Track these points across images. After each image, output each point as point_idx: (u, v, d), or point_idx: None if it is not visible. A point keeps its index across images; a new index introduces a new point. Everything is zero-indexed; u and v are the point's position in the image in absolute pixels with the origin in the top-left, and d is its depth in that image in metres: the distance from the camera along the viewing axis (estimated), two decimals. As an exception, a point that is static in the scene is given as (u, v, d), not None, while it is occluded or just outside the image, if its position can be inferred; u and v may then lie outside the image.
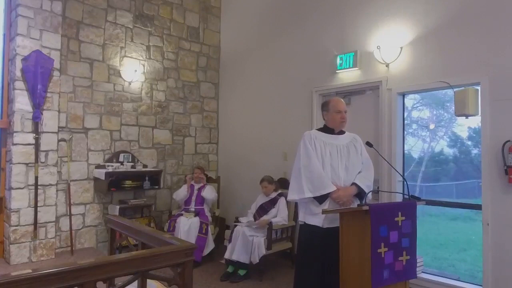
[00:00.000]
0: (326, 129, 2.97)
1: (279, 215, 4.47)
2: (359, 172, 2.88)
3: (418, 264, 2.80)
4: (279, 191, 4.69)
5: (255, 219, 4.55)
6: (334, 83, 4.60)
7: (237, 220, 4.68)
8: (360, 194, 2.80)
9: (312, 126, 4.76)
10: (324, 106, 2.96)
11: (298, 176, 2.80)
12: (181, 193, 5.09)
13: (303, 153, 2.84)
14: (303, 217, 2.89)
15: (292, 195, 2.81)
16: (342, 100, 2.96)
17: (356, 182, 2.82)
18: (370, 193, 2.88)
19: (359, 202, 2.75)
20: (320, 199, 2.75)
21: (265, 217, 4.47)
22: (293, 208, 4.73)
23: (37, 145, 4.54)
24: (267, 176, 4.68)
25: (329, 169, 2.81)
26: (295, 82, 5.08)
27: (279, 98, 5.30)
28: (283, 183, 4.96)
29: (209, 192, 5.09)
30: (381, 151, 3.95)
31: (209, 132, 6.36)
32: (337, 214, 2.63)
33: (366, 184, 2.82)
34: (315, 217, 2.79)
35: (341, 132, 2.98)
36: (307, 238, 2.83)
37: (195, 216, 4.86)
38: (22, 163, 4.48)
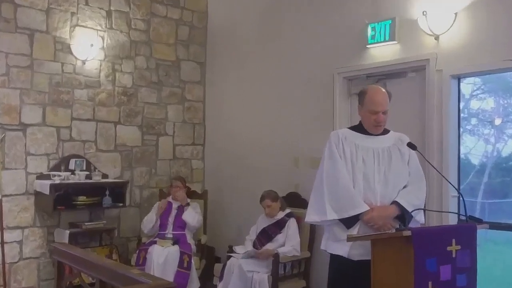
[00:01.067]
0: (360, 128, 3.03)
1: (288, 243, 4.51)
2: (404, 187, 2.93)
3: (479, 310, 2.79)
4: (287, 211, 4.72)
5: (256, 248, 4.58)
6: (363, 62, 4.61)
7: (231, 250, 4.70)
8: (404, 216, 2.83)
9: (334, 124, 4.77)
10: (360, 97, 3.03)
11: (320, 190, 2.88)
12: (148, 222, 5.17)
13: (327, 160, 2.93)
14: (324, 244, 2.98)
15: (312, 215, 2.90)
16: (385, 91, 2.99)
17: (398, 200, 2.86)
18: (421, 214, 2.90)
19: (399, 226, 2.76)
20: (348, 222, 2.82)
21: (269, 246, 4.52)
22: (308, 233, 4.78)
23: (-47, 147, 4.55)
24: (269, 192, 4.70)
25: (361, 180, 2.87)
26: (310, 62, 5.09)
27: (288, 85, 5.31)
28: (294, 200, 4.96)
29: (191, 215, 5.15)
30: (428, 156, 3.89)
31: (192, 129, 6.34)
32: (369, 242, 2.65)
33: (413, 204, 2.86)
34: (340, 245, 2.85)
35: (384, 131, 3.05)
36: (335, 272, 2.92)
37: (173, 244, 4.91)
38: None
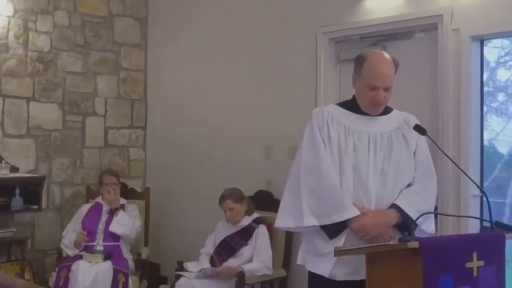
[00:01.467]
0: (353, 105, 3.00)
1: (257, 258, 4.51)
2: (407, 185, 2.92)
3: None
4: (256, 215, 4.72)
5: (214, 265, 4.59)
6: (356, 19, 4.58)
7: (181, 268, 4.71)
8: (407, 224, 2.76)
9: (318, 100, 4.76)
10: (357, 64, 2.99)
11: (296, 187, 2.87)
12: (69, 250, 5.12)
13: (307, 147, 2.92)
14: (303, 258, 2.97)
15: (284, 219, 2.89)
16: (390, 59, 2.94)
17: (398, 204, 2.84)
18: (430, 221, 2.90)
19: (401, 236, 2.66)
20: (331, 231, 2.79)
21: (231, 262, 4.54)
22: (282, 245, 4.79)
23: None
24: (232, 190, 4.70)
25: (351, 176, 2.85)
26: (286, 19, 5.06)
27: (258, 50, 5.28)
28: (265, 201, 4.93)
29: (123, 223, 5.13)
30: (441, 143, 3.86)
31: (130, 107, 6.34)
32: (361, 257, 2.60)
33: (418, 208, 2.82)
34: (321, 261, 2.83)
35: (385, 110, 3.00)
36: None
37: (104, 259, 4.88)
38: None
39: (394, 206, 2.82)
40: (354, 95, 3.01)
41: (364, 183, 2.83)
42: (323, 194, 2.79)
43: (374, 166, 2.86)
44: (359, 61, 2.95)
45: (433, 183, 2.98)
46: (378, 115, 2.97)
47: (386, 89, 2.88)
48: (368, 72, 2.88)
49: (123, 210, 5.22)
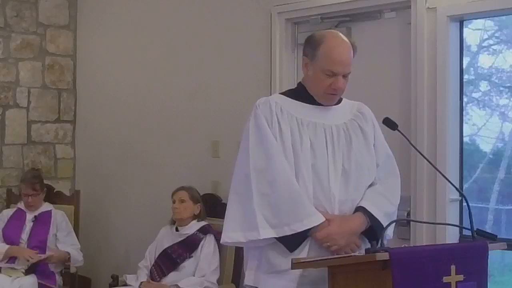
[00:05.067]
0: (302, 93, 2.95)
1: (198, 272, 4.45)
2: (370, 185, 2.90)
3: None
4: (203, 223, 4.63)
5: (154, 279, 4.54)
6: None
7: (116, 283, 4.74)
8: (373, 230, 2.78)
9: (273, 89, 4.69)
10: (310, 47, 2.94)
11: (245, 193, 2.77)
12: None
13: (254, 144, 2.83)
14: (253, 279, 2.85)
15: (232, 232, 2.79)
16: (348, 42, 2.92)
17: (366, 207, 2.80)
18: (392, 226, 2.84)
19: (369, 245, 2.63)
20: (291, 242, 2.70)
21: (174, 277, 4.47)
22: (232, 257, 4.75)
23: None
24: (190, 187, 4.67)
25: (310, 177, 2.77)
26: None
27: (204, 32, 5.23)
28: (212, 206, 4.90)
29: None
30: (415, 140, 3.86)
31: (57, 99, 6.26)
32: (323, 270, 2.55)
33: (386, 211, 2.84)
34: (282, 279, 2.74)
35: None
36: None
37: (26, 273, 4.84)
38: None
39: (361, 209, 2.79)
40: (300, 83, 3.01)
41: (325, 185, 2.77)
42: (279, 199, 2.70)
43: (334, 165, 2.82)
44: (313, 43, 2.91)
45: (397, 182, 2.98)
46: (330, 105, 2.97)
47: (345, 76, 2.86)
48: (326, 56, 2.84)
49: (50, 217, 5.14)
